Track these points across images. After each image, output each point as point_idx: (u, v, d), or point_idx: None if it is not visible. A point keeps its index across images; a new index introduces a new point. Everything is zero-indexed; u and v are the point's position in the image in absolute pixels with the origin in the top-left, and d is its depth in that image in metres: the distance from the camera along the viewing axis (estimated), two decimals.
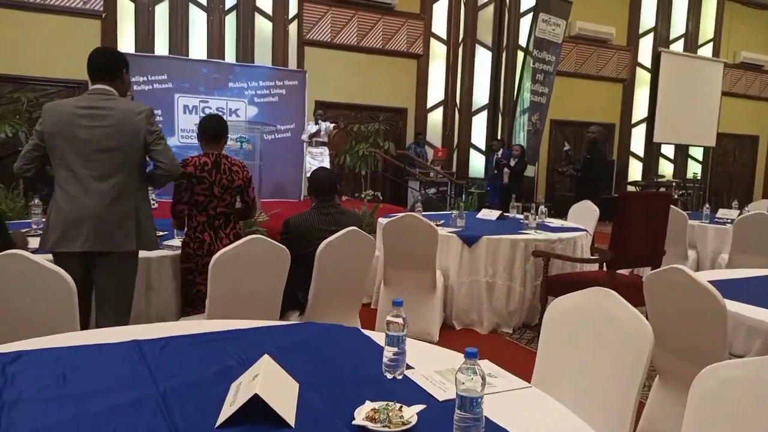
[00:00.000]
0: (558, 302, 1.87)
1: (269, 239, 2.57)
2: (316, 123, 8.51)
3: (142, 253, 3.02)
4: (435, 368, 1.55)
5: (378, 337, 1.76)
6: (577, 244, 4.48)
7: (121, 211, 2.51)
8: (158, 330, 1.80)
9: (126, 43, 8.38)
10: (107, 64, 2.57)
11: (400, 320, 1.48)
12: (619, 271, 3.93)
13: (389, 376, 1.49)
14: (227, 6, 8.87)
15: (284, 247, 2.60)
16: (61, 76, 8.07)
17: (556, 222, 5.32)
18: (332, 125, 8.56)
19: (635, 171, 13.16)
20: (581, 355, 1.72)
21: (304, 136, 8.57)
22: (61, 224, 2.45)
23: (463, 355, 1.17)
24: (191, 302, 2.98)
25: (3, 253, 1.90)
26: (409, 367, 1.53)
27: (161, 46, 8.57)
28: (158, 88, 8.27)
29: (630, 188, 12.43)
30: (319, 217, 3.11)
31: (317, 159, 8.45)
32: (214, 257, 2.43)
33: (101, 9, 8.22)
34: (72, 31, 8.09)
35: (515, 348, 4.00)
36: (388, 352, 1.50)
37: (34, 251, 2.51)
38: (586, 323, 1.75)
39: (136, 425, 1.20)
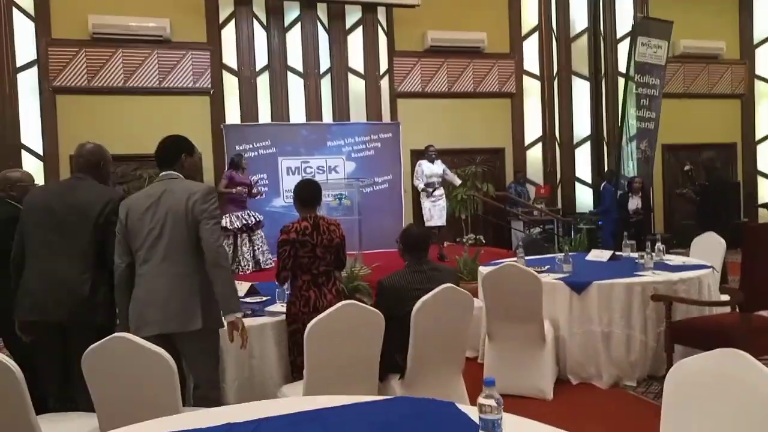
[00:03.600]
0: (681, 366, 1.66)
1: (361, 304, 2.52)
2: (431, 161, 7.51)
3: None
4: None
5: (476, 413, 1.63)
6: (702, 284, 4.05)
7: (185, 293, 2.56)
8: (252, 410, 1.79)
9: (232, 115, 8.97)
10: (163, 156, 2.75)
11: (493, 402, 1.36)
12: (760, 312, 3.48)
13: None
14: (322, 70, 9.28)
15: (377, 311, 2.54)
16: None
17: (676, 259, 4.87)
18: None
19: (766, 191, 11.95)
20: (712, 428, 1.49)
21: (421, 181, 7.47)
22: (137, 310, 2.57)
23: None
24: (299, 368, 2.97)
25: (110, 336, 2.00)
26: None
27: (264, 113, 9.08)
28: (263, 153, 8.75)
29: (762, 211, 11.27)
30: (412, 276, 3.04)
31: (438, 204, 7.48)
32: (309, 326, 2.41)
33: (210, 86, 8.90)
34: (185, 109, 8.80)
35: (641, 403, 3.63)
36: None
37: None
38: (714, 390, 1.53)
39: None
